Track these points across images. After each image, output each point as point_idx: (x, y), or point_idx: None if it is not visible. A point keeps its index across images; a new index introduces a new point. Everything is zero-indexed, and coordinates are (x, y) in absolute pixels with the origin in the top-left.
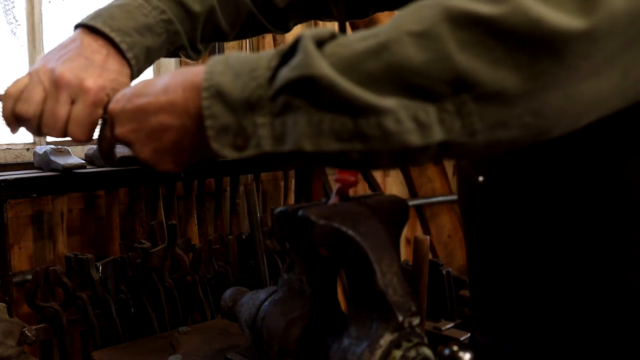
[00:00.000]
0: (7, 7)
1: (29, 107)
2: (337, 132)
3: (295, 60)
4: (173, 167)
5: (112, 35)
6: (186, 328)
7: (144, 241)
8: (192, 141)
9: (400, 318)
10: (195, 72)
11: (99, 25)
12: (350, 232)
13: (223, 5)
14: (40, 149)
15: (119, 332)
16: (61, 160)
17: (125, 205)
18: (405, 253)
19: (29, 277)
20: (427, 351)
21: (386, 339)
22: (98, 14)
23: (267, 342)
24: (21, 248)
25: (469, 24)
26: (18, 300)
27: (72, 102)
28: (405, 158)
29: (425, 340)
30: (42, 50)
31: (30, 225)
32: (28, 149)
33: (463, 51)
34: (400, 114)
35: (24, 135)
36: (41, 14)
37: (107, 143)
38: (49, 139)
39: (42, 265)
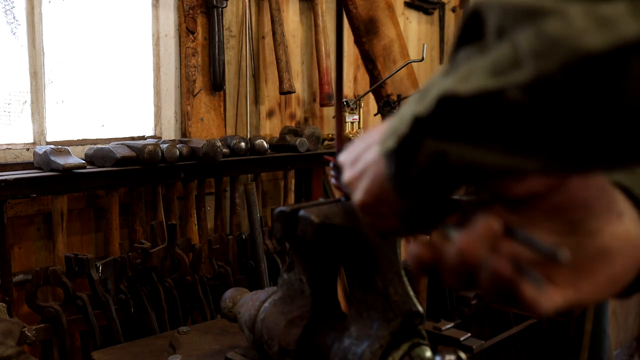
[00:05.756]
0: (7, 7)
1: None
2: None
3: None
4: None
5: None
6: (186, 328)
7: (144, 241)
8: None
9: (401, 318)
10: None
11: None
12: (351, 232)
13: None
14: (40, 149)
15: (119, 332)
16: (61, 160)
17: (125, 205)
18: (405, 253)
19: (29, 277)
20: (427, 351)
21: (387, 339)
22: None
23: (267, 342)
24: (21, 248)
25: None
26: (18, 300)
27: None
28: None
29: (426, 340)
30: (42, 50)
31: (30, 225)
32: (28, 149)
33: None
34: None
35: (24, 135)
36: (41, 14)
37: None
38: (49, 138)
39: (42, 265)
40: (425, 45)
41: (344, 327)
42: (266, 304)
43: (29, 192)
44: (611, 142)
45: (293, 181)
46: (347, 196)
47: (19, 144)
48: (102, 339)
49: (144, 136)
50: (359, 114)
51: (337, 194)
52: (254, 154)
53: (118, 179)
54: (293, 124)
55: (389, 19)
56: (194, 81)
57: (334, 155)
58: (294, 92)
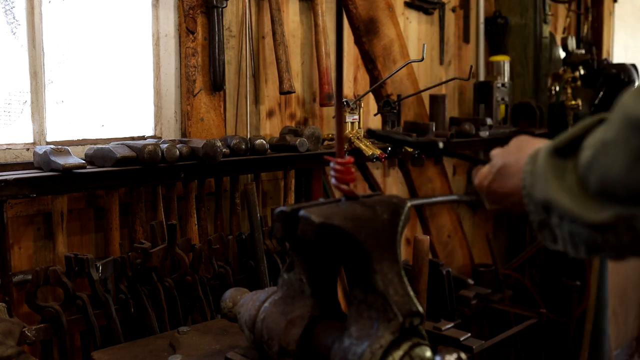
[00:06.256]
0: (7, 7)
1: None
2: (586, 243)
3: (538, 185)
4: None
5: None
6: (186, 328)
7: (144, 241)
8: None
9: (401, 318)
10: (523, 162)
11: None
12: (351, 231)
13: None
14: (40, 149)
15: (119, 332)
16: (61, 160)
17: (125, 205)
18: (405, 253)
19: (29, 277)
20: (427, 351)
21: (387, 339)
22: None
23: (267, 342)
24: (21, 248)
25: None
26: (18, 300)
27: None
28: None
29: (426, 340)
30: (42, 50)
31: (30, 225)
32: (28, 149)
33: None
34: (619, 228)
35: (24, 135)
36: (41, 14)
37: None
38: (49, 138)
39: (42, 265)
40: (425, 45)
41: (344, 327)
42: (266, 304)
43: (29, 192)
44: None
45: (293, 181)
46: (347, 197)
47: (19, 144)
48: (102, 339)
49: (144, 136)
50: (359, 114)
51: (337, 194)
52: (254, 154)
53: (118, 179)
54: (293, 124)
55: (389, 19)
56: (194, 81)
57: (334, 155)
58: (294, 92)
